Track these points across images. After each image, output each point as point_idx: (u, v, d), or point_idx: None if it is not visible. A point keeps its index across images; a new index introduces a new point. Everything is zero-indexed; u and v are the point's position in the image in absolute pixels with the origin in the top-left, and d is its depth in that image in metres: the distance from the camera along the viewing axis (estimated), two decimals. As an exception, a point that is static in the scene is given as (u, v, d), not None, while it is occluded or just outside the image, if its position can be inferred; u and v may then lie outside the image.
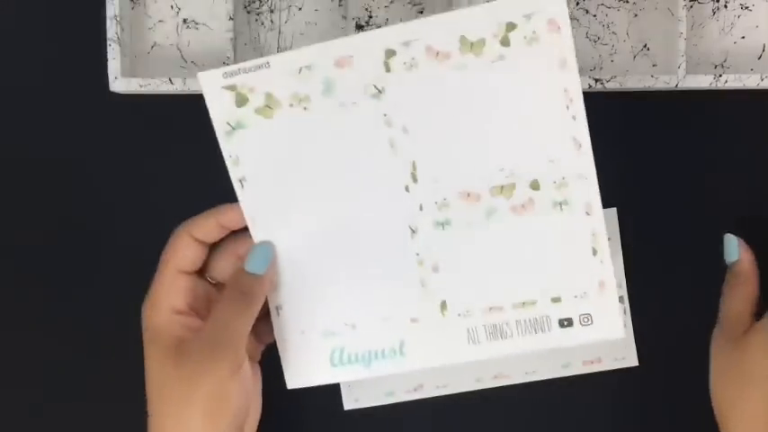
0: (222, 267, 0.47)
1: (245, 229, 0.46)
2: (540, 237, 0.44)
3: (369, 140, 0.44)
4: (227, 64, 0.50)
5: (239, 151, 0.45)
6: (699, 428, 0.49)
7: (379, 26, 0.53)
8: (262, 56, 0.53)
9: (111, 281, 0.54)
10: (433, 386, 0.53)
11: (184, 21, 0.54)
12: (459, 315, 0.45)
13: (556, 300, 0.44)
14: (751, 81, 0.50)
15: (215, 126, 0.45)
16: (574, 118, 0.43)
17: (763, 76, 0.50)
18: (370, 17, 0.53)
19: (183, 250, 0.45)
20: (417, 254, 0.45)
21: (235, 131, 0.45)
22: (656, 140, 0.53)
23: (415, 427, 0.54)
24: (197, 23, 0.54)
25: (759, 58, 0.53)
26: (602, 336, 0.44)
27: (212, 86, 0.44)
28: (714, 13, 0.53)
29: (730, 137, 0.53)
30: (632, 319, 0.53)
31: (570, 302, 0.44)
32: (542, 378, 0.53)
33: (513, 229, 0.44)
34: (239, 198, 0.45)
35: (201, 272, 0.47)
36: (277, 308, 0.46)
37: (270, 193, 0.45)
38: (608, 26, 0.53)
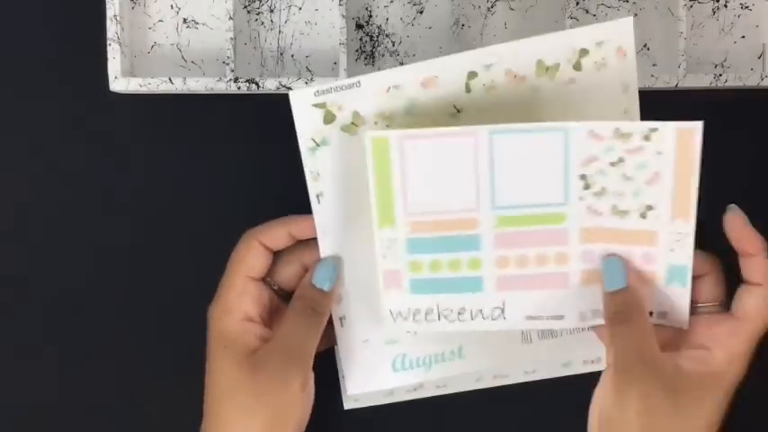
0: (287, 274, 0.47)
1: (311, 238, 0.47)
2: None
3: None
4: (227, 64, 0.50)
5: (320, 167, 0.46)
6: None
7: (379, 26, 0.53)
8: (261, 55, 0.53)
9: (111, 281, 0.54)
10: (433, 386, 0.53)
11: (184, 20, 0.54)
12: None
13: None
14: (751, 81, 0.50)
15: (300, 143, 0.45)
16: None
17: (763, 76, 0.50)
18: (370, 17, 0.53)
19: (253, 256, 0.46)
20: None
21: (319, 148, 0.46)
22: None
23: (415, 426, 0.54)
24: (197, 23, 0.54)
25: (759, 58, 0.53)
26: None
27: (302, 104, 0.45)
28: (714, 12, 0.53)
29: (730, 137, 0.53)
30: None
31: None
32: (542, 378, 0.53)
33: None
34: (314, 211, 0.46)
35: (264, 278, 0.47)
36: (341, 319, 0.47)
37: (342, 209, 0.46)
38: (608, 26, 0.53)
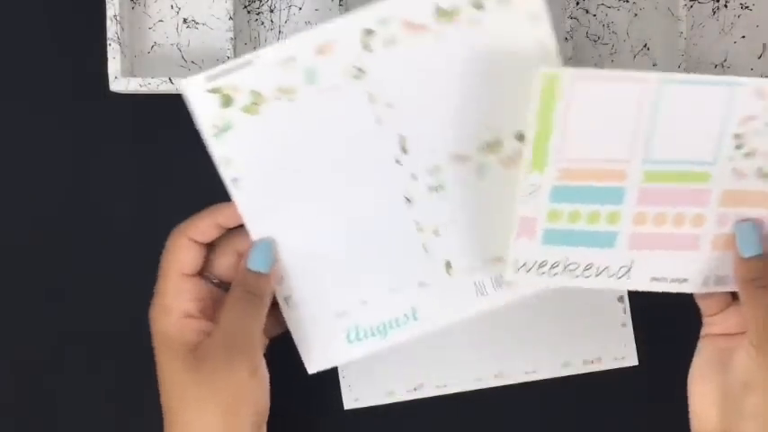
0: (223, 265, 0.46)
1: (242, 225, 0.46)
2: None
3: (355, 121, 0.45)
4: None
5: (229, 152, 0.45)
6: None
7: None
8: (262, 56, 0.53)
9: (111, 281, 0.54)
10: (433, 386, 0.53)
11: (184, 20, 0.54)
12: (464, 271, 0.46)
13: None
14: (751, 81, 0.50)
15: (202, 130, 0.44)
16: (549, 67, 0.43)
17: (763, 76, 0.50)
18: (370, 17, 0.53)
19: (184, 253, 0.45)
20: (416, 221, 0.46)
21: (223, 133, 0.44)
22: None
23: (415, 426, 0.54)
24: (197, 23, 0.54)
25: (759, 58, 0.53)
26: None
27: (196, 92, 0.44)
28: (714, 12, 0.53)
29: (730, 137, 0.53)
30: (632, 319, 0.53)
31: None
32: (542, 378, 0.53)
33: (504, 181, 0.45)
34: (234, 198, 0.45)
35: (202, 272, 0.46)
36: (286, 299, 0.47)
37: (264, 189, 0.45)
38: (608, 26, 0.53)
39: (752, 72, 0.51)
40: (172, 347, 0.44)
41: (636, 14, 0.53)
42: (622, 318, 0.53)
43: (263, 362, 0.45)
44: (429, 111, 0.44)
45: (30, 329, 0.55)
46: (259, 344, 0.45)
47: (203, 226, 0.45)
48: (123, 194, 0.54)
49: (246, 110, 0.44)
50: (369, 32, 0.43)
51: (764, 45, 0.53)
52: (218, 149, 0.45)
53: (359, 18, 0.43)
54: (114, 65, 0.50)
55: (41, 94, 0.54)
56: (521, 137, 0.44)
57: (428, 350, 0.53)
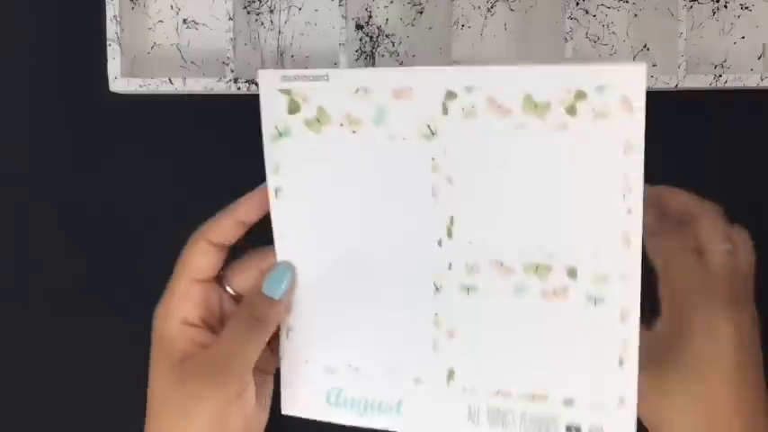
0: (243, 280, 0.45)
1: (272, 244, 0.45)
2: (567, 330, 0.41)
3: (412, 181, 0.42)
4: (227, 64, 0.50)
5: (281, 159, 0.43)
6: None
7: (379, 27, 0.53)
8: (261, 56, 0.53)
9: (111, 281, 0.54)
10: None
11: (184, 21, 0.54)
12: (464, 389, 0.43)
13: (569, 402, 0.41)
14: (751, 81, 0.50)
15: (263, 127, 0.43)
16: (629, 211, 0.39)
17: (763, 76, 0.50)
18: (370, 17, 0.53)
19: (199, 257, 0.44)
20: (436, 314, 0.43)
21: (281, 138, 0.43)
22: (656, 140, 0.53)
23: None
24: (197, 23, 0.54)
25: (759, 58, 0.53)
26: None
27: (269, 86, 0.43)
28: (714, 13, 0.53)
29: (730, 137, 0.53)
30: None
31: (583, 409, 0.41)
32: None
33: (540, 313, 0.41)
34: (271, 207, 0.44)
35: (220, 279, 0.45)
36: (288, 330, 0.45)
37: (302, 210, 0.43)
38: (608, 26, 0.53)
39: (752, 72, 0.51)
40: (165, 352, 0.43)
41: (636, 14, 0.53)
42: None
43: (252, 387, 0.43)
44: (488, 202, 0.41)
45: (33, 334, 0.55)
46: (250, 370, 0.43)
47: (223, 225, 0.44)
48: (123, 194, 0.54)
49: (309, 124, 0.43)
50: (451, 95, 0.41)
51: (764, 45, 0.53)
52: (271, 152, 0.43)
53: (445, 75, 0.41)
54: (114, 65, 0.50)
55: (41, 95, 0.54)
56: (573, 272, 0.40)
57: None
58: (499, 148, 0.40)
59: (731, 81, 0.50)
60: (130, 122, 0.54)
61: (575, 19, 0.51)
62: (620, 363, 0.40)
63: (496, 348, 0.42)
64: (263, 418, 0.46)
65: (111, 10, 0.51)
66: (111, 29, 0.50)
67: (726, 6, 0.53)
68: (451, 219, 0.42)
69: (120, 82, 0.50)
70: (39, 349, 0.55)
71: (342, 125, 0.42)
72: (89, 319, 0.54)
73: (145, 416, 0.44)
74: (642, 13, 0.53)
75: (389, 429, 0.44)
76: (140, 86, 0.50)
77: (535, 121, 0.40)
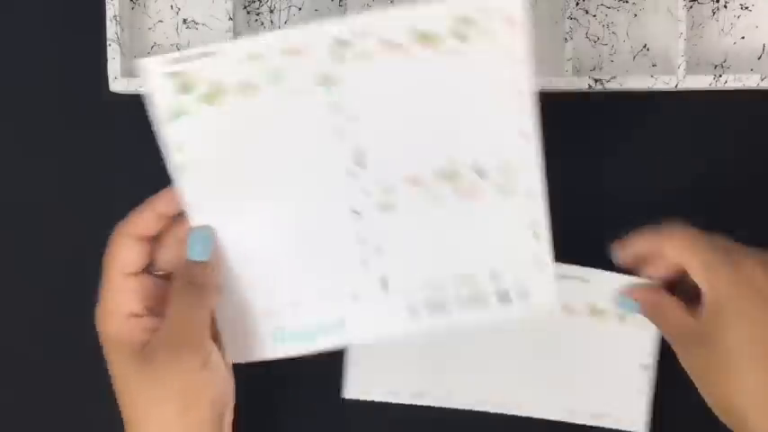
0: (167, 257, 0.45)
1: (185, 217, 0.45)
2: (483, 220, 0.45)
3: (314, 127, 0.44)
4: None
5: (180, 138, 0.44)
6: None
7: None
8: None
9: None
10: (435, 396, 0.53)
11: (184, 21, 0.54)
12: (399, 291, 0.46)
13: (494, 276, 0.45)
14: (751, 81, 0.50)
15: (155, 112, 0.43)
16: (521, 111, 0.43)
17: (763, 76, 0.50)
18: (370, 17, 0.53)
19: (125, 252, 0.44)
20: (359, 234, 0.45)
21: (176, 118, 0.44)
22: (656, 140, 0.53)
23: (413, 424, 0.54)
24: (197, 23, 0.54)
25: (759, 59, 0.53)
26: (538, 307, 0.45)
27: (154, 73, 0.43)
28: (714, 13, 0.53)
29: (730, 137, 0.53)
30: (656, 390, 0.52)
31: (508, 277, 0.45)
32: (542, 417, 0.52)
33: (456, 212, 0.45)
34: (177, 184, 0.44)
35: (148, 268, 0.45)
36: (221, 288, 0.46)
37: (209, 180, 0.45)
38: (608, 26, 0.53)
39: (752, 72, 0.51)
40: (119, 349, 0.43)
41: (636, 15, 0.53)
42: (642, 385, 0.52)
43: (216, 352, 0.44)
44: (393, 130, 0.44)
45: (33, 334, 0.55)
46: (207, 334, 0.43)
47: (144, 219, 0.44)
48: (123, 195, 0.54)
49: (204, 99, 0.43)
50: (343, 43, 0.43)
51: (764, 45, 0.53)
52: (169, 133, 0.44)
53: (335, 26, 0.43)
54: (114, 65, 0.50)
55: (41, 95, 0.54)
56: (481, 172, 0.44)
57: (440, 360, 0.53)
58: (397, 82, 0.43)
59: (731, 81, 0.50)
60: (130, 122, 0.54)
61: (575, 19, 0.51)
62: (536, 237, 0.45)
63: (422, 250, 0.46)
64: (231, 384, 0.46)
65: (111, 10, 0.51)
66: (111, 29, 0.50)
67: (726, 6, 0.53)
68: (359, 151, 0.44)
69: (120, 82, 0.50)
70: (39, 349, 0.55)
71: (238, 93, 0.43)
72: (89, 319, 0.54)
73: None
74: (642, 13, 0.53)
75: (338, 345, 0.46)
76: (140, 86, 0.50)
77: (428, 52, 0.43)
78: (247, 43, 0.43)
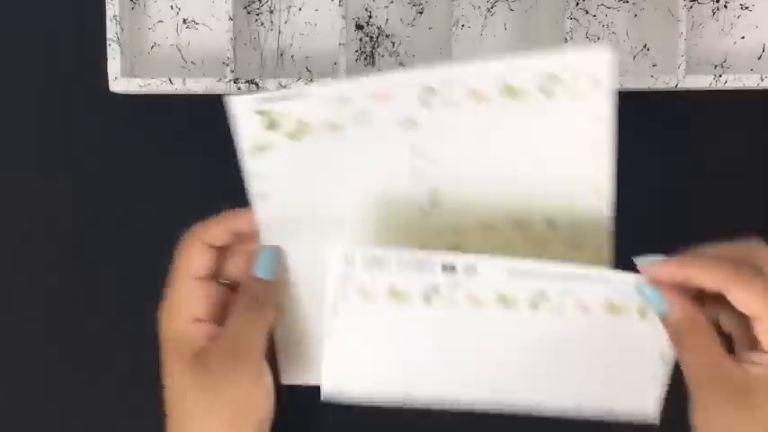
0: (234, 267, 0.46)
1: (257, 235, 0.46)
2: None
3: (394, 167, 0.45)
4: (227, 64, 0.50)
5: (263, 169, 0.45)
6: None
7: (379, 27, 0.53)
8: (261, 56, 0.53)
9: (112, 281, 0.54)
10: (426, 394, 0.52)
11: (184, 21, 0.54)
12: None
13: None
14: (751, 81, 0.50)
15: (240, 147, 0.44)
16: (597, 167, 0.44)
17: (763, 76, 0.50)
18: (370, 17, 0.53)
19: (196, 256, 0.45)
20: None
21: (261, 152, 0.45)
22: (656, 140, 0.53)
23: (411, 423, 0.54)
24: (197, 23, 0.54)
25: (759, 58, 0.53)
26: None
27: (242, 111, 0.44)
28: (714, 13, 0.53)
29: (730, 137, 0.53)
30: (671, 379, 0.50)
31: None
32: (548, 414, 0.52)
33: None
34: (256, 211, 0.45)
35: (214, 275, 0.46)
36: (279, 306, 0.46)
37: (287, 208, 0.45)
38: (608, 26, 0.53)
39: (752, 72, 0.51)
40: (178, 351, 0.44)
41: (636, 15, 0.53)
42: (656, 373, 0.49)
43: (268, 369, 0.45)
44: (470, 175, 0.45)
45: (33, 334, 0.55)
46: (263, 351, 0.44)
47: (218, 231, 0.45)
48: (123, 195, 0.54)
49: (289, 136, 0.44)
50: (431, 90, 0.44)
51: (764, 45, 0.53)
52: (252, 165, 0.45)
53: (424, 75, 0.43)
54: (114, 65, 0.50)
55: (41, 95, 0.54)
56: (552, 224, 0.45)
57: (427, 355, 0.52)
58: (481, 131, 0.44)
59: (731, 81, 0.50)
60: (130, 122, 0.54)
61: (575, 19, 0.51)
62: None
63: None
64: (274, 409, 0.46)
65: (111, 10, 0.51)
66: (111, 29, 0.50)
67: (726, 6, 0.53)
68: (433, 190, 0.45)
69: (120, 82, 0.50)
70: (38, 349, 0.55)
71: (323, 130, 0.44)
72: (89, 319, 0.54)
73: (164, 417, 0.44)
74: (642, 13, 0.53)
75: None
76: (140, 86, 0.50)
77: (514, 105, 0.44)
78: (337, 87, 0.44)
